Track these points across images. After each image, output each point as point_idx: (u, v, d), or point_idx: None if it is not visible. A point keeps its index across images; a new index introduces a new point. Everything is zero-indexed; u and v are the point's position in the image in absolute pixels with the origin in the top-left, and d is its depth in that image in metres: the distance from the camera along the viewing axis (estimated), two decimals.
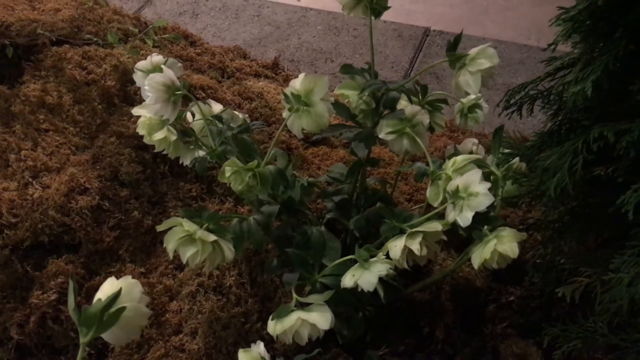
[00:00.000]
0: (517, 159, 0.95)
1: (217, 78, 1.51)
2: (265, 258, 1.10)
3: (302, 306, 0.80)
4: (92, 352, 0.99)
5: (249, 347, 0.78)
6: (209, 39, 1.85)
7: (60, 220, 1.06)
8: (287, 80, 1.66)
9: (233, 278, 1.06)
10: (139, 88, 1.32)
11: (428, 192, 0.90)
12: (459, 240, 1.12)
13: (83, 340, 0.67)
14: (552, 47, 0.72)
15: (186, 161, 0.98)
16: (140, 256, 1.09)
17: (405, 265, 0.81)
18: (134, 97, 1.31)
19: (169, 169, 1.20)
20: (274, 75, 1.67)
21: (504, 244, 0.78)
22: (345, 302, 0.90)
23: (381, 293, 0.87)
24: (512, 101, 0.90)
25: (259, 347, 0.74)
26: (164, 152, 0.96)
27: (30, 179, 1.09)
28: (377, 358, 1.01)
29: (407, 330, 1.06)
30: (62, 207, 1.06)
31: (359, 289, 0.80)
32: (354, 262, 0.84)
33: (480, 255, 0.79)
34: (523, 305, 1.11)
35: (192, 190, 1.18)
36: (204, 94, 1.36)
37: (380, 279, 0.81)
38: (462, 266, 1.13)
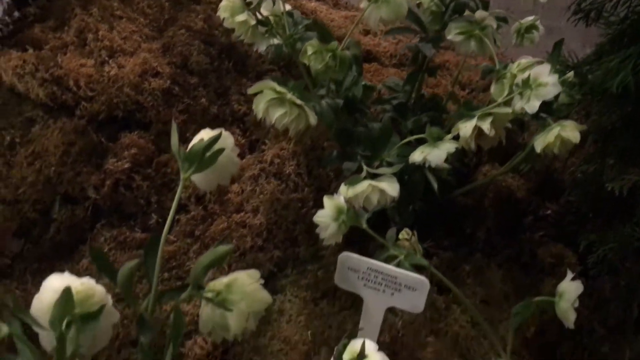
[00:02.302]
0: (571, 73, 1.00)
1: None
2: (321, 154, 1.16)
3: (372, 177, 0.86)
4: (160, 220, 1.06)
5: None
6: None
7: (134, 97, 1.11)
8: (336, 5, 1.71)
9: (292, 167, 1.12)
10: None
11: (492, 89, 0.95)
12: (503, 154, 1.19)
13: (184, 175, 0.73)
14: None
15: (261, 48, 1.03)
16: None
17: (473, 146, 0.87)
18: None
19: (233, 65, 1.25)
20: None
21: (566, 131, 0.83)
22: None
23: (434, 185, 0.94)
24: (582, 5, 0.95)
25: (340, 198, 0.80)
26: (241, 38, 1.01)
27: (106, 58, 1.14)
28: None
29: (451, 229, 1.12)
30: (136, 86, 1.12)
31: (426, 169, 0.86)
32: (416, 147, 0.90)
33: (544, 140, 0.85)
34: (559, 219, 1.18)
35: None
36: None
37: (435, 175, 0.88)
38: (505, 177, 1.20)
